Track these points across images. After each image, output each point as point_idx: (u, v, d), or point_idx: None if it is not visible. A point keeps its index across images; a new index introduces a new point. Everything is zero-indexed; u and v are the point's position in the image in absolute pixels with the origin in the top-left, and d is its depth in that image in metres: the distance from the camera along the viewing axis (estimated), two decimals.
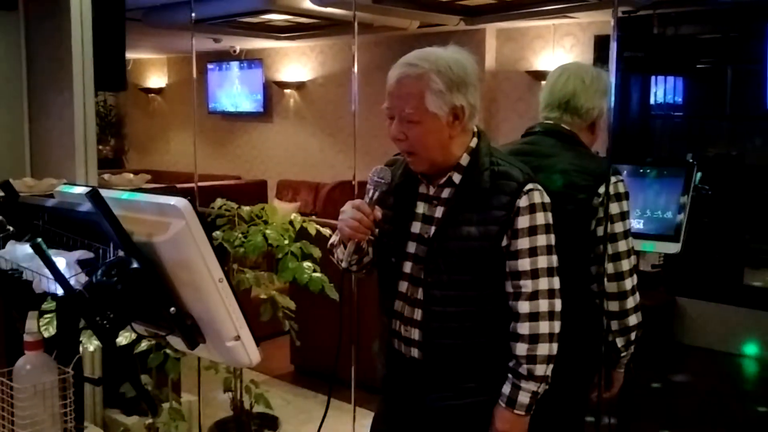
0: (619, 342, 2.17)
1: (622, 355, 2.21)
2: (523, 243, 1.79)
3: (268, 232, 3.32)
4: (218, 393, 3.66)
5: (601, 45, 6.07)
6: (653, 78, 6.94)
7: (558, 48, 7.14)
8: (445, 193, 1.87)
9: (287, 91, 9.53)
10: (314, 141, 9.35)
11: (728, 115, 8.09)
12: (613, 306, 2.14)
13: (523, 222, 1.79)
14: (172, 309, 1.42)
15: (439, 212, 1.86)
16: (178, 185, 6.93)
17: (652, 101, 7.03)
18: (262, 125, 9.94)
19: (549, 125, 2.25)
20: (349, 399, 3.40)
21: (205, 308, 1.43)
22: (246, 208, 3.52)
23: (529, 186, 1.80)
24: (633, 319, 2.15)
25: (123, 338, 2.58)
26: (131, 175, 4.04)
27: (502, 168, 1.83)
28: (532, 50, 7.33)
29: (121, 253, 1.37)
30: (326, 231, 3.49)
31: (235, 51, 9.60)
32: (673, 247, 2.94)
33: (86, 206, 1.41)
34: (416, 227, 1.89)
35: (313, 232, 3.45)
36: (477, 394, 1.86)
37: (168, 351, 3.00)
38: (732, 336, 5.61)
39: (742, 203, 6.76)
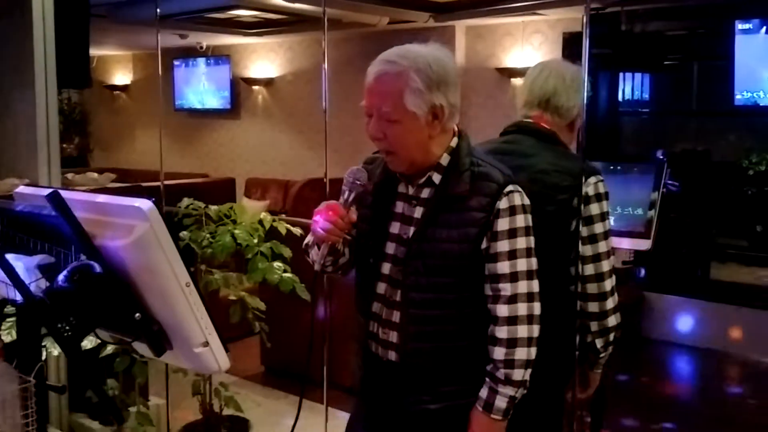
0: (598, 343, 2.16)
1: (601, 356, 2.19)
2: (503, 246, 1.76)
3: (236, 232, 3.27)
4: (187, 396, 3.60)
5: (569, 42, 6.09)
6: (621, 75, 6.99)
7: (527, 45, 7.16)
8: (425, 193, 1.83)
9: (255, 87, 9.44)
10: (283, 138, 9.28)
11: (695, 111, 8.19)
12: (593, 307, 2.12)
13: (502, 224, 1.76)
14: (137, 315, 1.37)
15: (418, 212, 1.83)
16: (144, 184, 6.83)
17: (620, 98, 7.08)
18: (229, 122, 9.84)
19: (528, 124, 2.22)
20: (320, 399, 3.36)
21: (172, 314, 1.39)
22: (214, 208, 3.46)
23: (510, 188, 1.77)
24: (612, 320, 2.14)
25: (88, 342, 2.52)
26: (95, 175, 3.97)
27: (482, 169, 1.79)
28: (501, 47, 7.34)
29: (83, 258, 1.32)
30: (297, 230, 3.45)
31: (201, 47, 9.48)
32: (644, 244, 2.95)
33: (47, 209, 1.35)
34: (395, 227, 1.85)
35: (283, 231, 3.40)
36: (455, 397, 1.83)
37: (135, 354, 2.94)
38: (699, 330, 5.67)
39: (709, 198, 6.84)
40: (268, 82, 9.33)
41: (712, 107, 7.58)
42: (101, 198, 1.39)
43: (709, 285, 6.22)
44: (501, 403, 1.77)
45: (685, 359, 5.53)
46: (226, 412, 3.52)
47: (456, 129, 1.85)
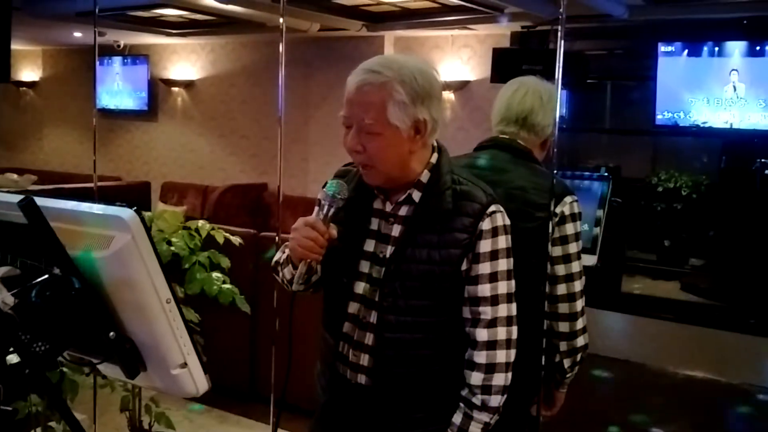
0: (566, 363, 2.15)
1: (567, 375, 2.19)
2: (485, 268, 1.70)
3: (174, 239, 3.12)
4: (108, 411, 3.42)
5: (500, 58, 6.16)
6: None
7: (455, 59, 7.21)
8: (404, 211, 1.75)
9: (175, 89, 9.16)
10: (203, 142, 9.04)
11: (607, 128, 8.44)
12: (563, 327, 2.11)
13: (485, 246, 1.70)
14: (112, 333, 1.26)
15: (396, 231, 1.74)
16: (67, 186, 6.49)
17: None
18: (146, 124, 9.52)
19: (505, 140, 2.19)
20: (262, 417, 3.26)
21: (149, 332, 1.29)
22: (147, 214, 3.29)
23: (493, 208, 1.72)
24: (581, 341, 2.14)
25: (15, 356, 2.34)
26: (15, 176, 3.73)
27: (464, 188, 1.73)
28: (429, 60, 7.33)
29: (56, 271, 1.20)
30: (236, 239, 3.33)
31: (118, 46, 9.14)
32: (590, 260, 2.98)
33: (13, 216, 1.23)
34: (370, 245, 1.76)
35: (221, 240, 3.27)
36: (427, 424, 1.76)
37: (65, 369, 2.75)
38: (617, 341, 5.81)
39: (619, 213, 7.05)
40: (188, 84, 9.07)
41: (634, 126, 7.83)
42: (77, 206, 1.27)
43: (620, 297, 6.38)
44: (475, 429, 1.71)
45: (599, 369, 5.64)
46: (156, 429, 3.35)
47: (436, 144, 1.78)
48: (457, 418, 1.73)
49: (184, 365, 1.31)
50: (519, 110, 2.17)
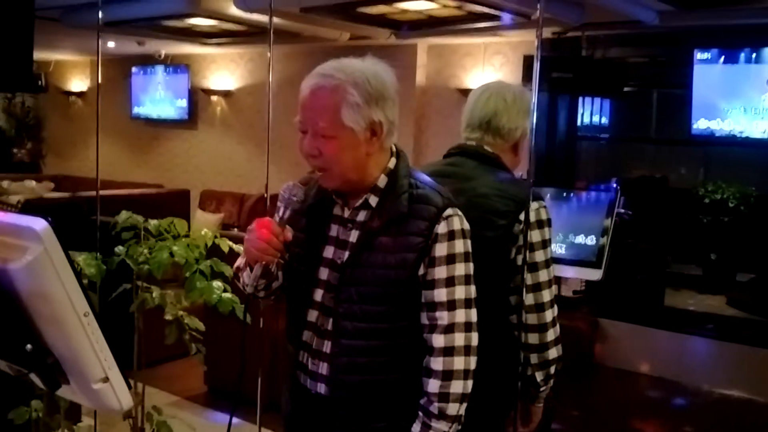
0: (539, 376, 2.08)
1: (541, 389, 2.11)
2: (441, 272, 1.67)
3: (175, 248, 3.11)
4: (119, 419, 3.42)
5: (530, 64, 6.08)
6: (581, 99, 6.98)
7: (488, 66, 7.12)
8: (361, 216, 1.74)
9: (214, 98, 9.28)
10: (241, 150, 9.12)
11: (653, 138, 8.24)
12: (533, 339, 2.04)
13: (440, 250, 1.67)
14: (29, 346, 1.24)
15: (353, 236, 1.73)
16: (84, 194, 6.61)
17: (579, 123, 7.08)
18: (186, 132, 9.66)
19: (470, 146, 2.15)
20: (276, 426, 3.23)
21: (68, 346, 1.27)
22: (154, 222, 3.30)
23: (449, 211, 1.69)
24: (553, 353, 2.06)
25: None
26: (33, 183, 3.78)
27: (421, 191, 1.71)
28: (462, 67, 7.29)
29: None
30: (240, 248, 3.31)
31: (160, 55, 9.31)
32: (595, 274, 2.88)
33: None
34: (329, 252, 1.75)
35: (225, 249, 3.25)
36: None
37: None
38: (653, 358, 5.64)
39: (664, 225, 6.86)
40: (227, 93, 9.17)
41: (670, 135, 7.64)
42: None
43: (663, 312, 6.20)
44: None
45: (638, 387, 5.48)
46: None
47: (394, 149, 1.76)
48: (416, 428, 1.70)
49: (106, 380, 1.28)
50: (482, 114, 2.12)
